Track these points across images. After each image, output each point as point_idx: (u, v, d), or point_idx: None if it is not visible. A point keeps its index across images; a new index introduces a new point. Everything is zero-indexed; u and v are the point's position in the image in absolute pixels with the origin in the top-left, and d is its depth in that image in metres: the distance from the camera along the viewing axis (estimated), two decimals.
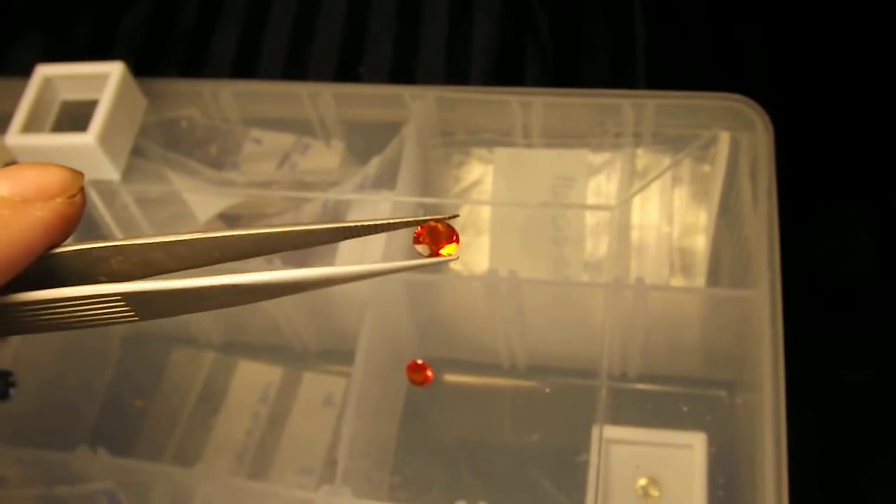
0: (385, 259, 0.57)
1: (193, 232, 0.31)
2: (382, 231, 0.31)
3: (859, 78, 0.69)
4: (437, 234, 0.32)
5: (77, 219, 0.30)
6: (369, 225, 0.31)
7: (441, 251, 0.32)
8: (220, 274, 0.30)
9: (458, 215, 0.32)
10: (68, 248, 0.31)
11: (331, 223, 0.31)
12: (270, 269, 0.29)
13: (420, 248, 0.32)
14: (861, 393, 0.59)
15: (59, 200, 0.30)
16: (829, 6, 0.72)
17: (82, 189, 0.30)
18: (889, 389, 0.59)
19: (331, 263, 0.61)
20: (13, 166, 0.30)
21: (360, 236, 0.31)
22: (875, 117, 0.67)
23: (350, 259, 0.60)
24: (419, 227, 0.31)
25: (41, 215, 0.29)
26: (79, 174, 0.30)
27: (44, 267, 0.30)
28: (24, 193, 0.29)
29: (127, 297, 0.30)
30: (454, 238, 0.32)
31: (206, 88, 0.64)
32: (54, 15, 0.82)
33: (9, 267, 0.29)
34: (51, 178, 0.30)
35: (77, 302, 0.30)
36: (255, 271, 0.29)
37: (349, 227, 0.31)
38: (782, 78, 0.70)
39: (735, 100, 0.57)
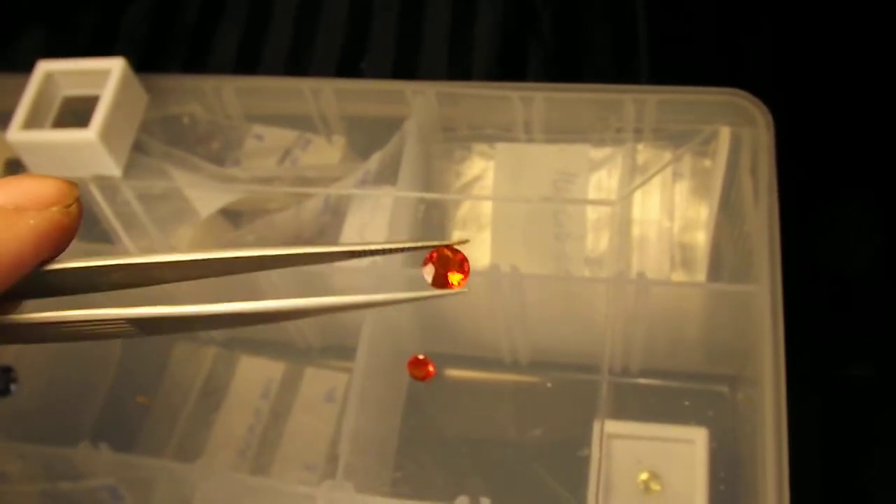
0: (387, 268, 0.57)
1: (195, 251, 0.31)
2: (388, 254, 0.31)
3: (862, 73, 0.69)
4: (446, 259, 0.32)
5: (73, 229, 0.30)
6: (376, 249, 0.31)
7: (449, 277, 0.32)
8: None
9: (468, 240, 0.32)
10: (67, 265, 0.31)
11: (337, 246, 0.31)
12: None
13: (426, 270, 0.32)
14: (863, 388, 0.59)
15: (54, 209, 0.30)
16: (832, 1, 0.72)
17: (78, 200, 0.30)
18: (891, 385, 0.59)
19: (332, 266, 0.61)
20: (10, 177, 0.30)
21: (365, 257, 0.32)
22: (878, 112, 0.67)
23: (354, 268, 0.60)
24: (428, 253, 0.32)
25: (34, 223, 0.29)
26: (74, 185, 0.30)
27: (43, 280, 0.30)
28: (17, 202, 0.29)
29: (132, 321, 0.30)
30: (464, 266, 0.32)
31: (208, 84, 0.64)
32: (57, 10, 0.83)
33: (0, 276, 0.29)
34: (46, 189, 0.30)
35: (81, 322, 0.30)
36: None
37: (355, 250, 0.31)
38: (785, 73, 0.70)
39: (736, 95, 0.57)
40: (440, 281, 0.32)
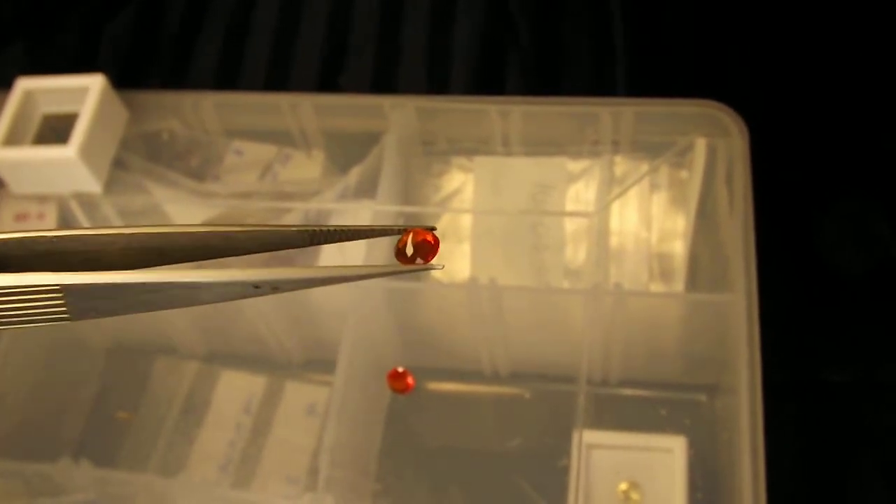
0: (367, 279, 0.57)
1: (141, 226, 0.30)
2: (359, 238, 0.31)
3: (840, 82, 0.70)
4: (421, 244, 0.32)
5: None
6: (347, 230, 0.31)
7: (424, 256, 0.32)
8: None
9: (435, 228, 0.32)
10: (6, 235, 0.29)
11: (300, 226, 0.30)
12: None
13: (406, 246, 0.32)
14: (841, 394, 0.59)
15: None
16: (808, 13, 0.72)
17: None
18: (869, 391, 0.59)
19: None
20: None
21: (335, 241, 0.31)
22: (858, 119, 0.68)
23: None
24: (402, 238, 0.32)
25: None
26: None
27: None
28: None
29: (66, 290, 0.28)
30: (436, 246, 0.32)
31: (188, 100, 0.64)
32: (38, 25, 0.83)
33: None
34: None
35: (10, 293, 0.28)
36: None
37: (324, 230, 0.31)
38: (764, 84, 0.71)
39: (711, 106, 0.58)
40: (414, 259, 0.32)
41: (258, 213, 0.63)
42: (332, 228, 0.31)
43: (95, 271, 0.28)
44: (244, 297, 0.29)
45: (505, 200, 0.63)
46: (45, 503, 0.54)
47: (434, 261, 0.32)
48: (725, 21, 0.74)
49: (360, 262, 0.58)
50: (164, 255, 0.31)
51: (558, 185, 0.62)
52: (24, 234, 0.30)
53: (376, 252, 0.58)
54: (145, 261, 0.31)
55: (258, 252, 0.31)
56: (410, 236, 0.32)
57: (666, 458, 0.55)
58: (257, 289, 0.29)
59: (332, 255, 0.60)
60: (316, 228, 0.30)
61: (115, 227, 0.30)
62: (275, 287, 0.29)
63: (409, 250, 0.32)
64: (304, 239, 0.31)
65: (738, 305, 0.51)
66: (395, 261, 0.32)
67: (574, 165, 0.62)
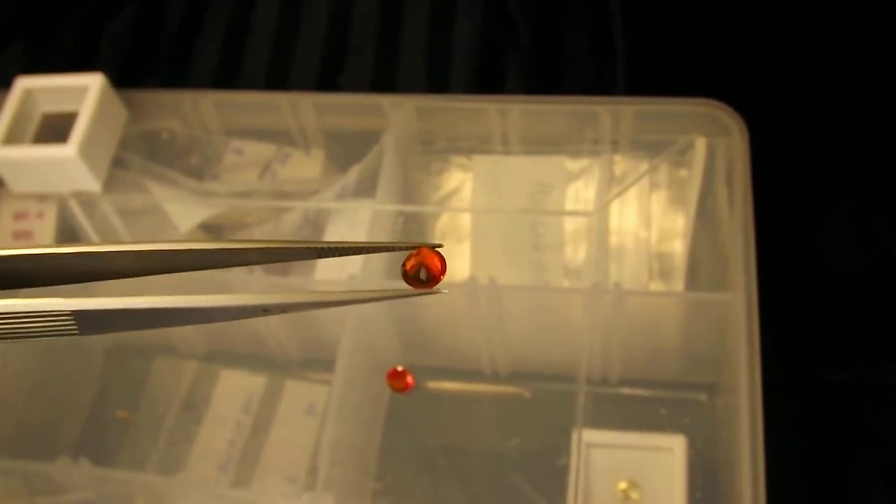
0: (364, 275, 0.57)
1: (146, 242, 0.30)
2: (365, 252, 0.31)
3: (841, 82, 0.70)
4: (429, 262, 0.32)
5: None
6: (354, 246, 0.31)
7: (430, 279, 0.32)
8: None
9: (442, 245, 0.32)
10: (19, 251, 0.30)
11: (309, 242, 0.31)
12: (236, 293, 0.29)
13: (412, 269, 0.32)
14: (843, 394, 0.59)
15: None
16: (808, 13, 0.72)
17: None
18: (868, 391, 0.59)
19: (309, 277, 0.61)
20: None
21: (341, 256, 0.31)
22: (857, 122, 0.68)
23: (328, 273, 0.60)
24: (410, 261, 0.32)
25: None
26: None
27: None
28: None
29: (76, 314, 0.28)
30: (441, 266, 0.32)
31: (187, 99, 0.64)
32: (38, 24, 0.83)
33: None
34: None
35: (21, 315, 0.28)
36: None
37: (331, 247, 0.31)
38: (764, 84, 0.71)
39: (711, 105, 0.58)
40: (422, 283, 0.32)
41: (257, 212, 0.63)
42: (338, 245, 0.31)
43: (107, 297, 0.29)
44: (253, 317, 0.30)
45: (504, 199, 0.63)
46: (45, 503, 0.54)
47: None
48: (725, 21, 0.74)
49: (358, 269, 0.58)
50: (172, 265, 0.31)
51: (557, 184, 0.62)
52: (31, 250, 0.30)
53: (375, 259, 0.58)
54: (154, 269, 0.31)
55: (265, 264, 0.31)
56: (419, 259, 0.32)
57: (666, 457, 0.55)
58: (266, 311, 0.29)
59: (330, 262, 0.60)
60: (323, 245, 0.31)
61: (124, 244, 0.30)
62: (283, 309, 0.30)
63: (417, 274, 0.32)
64: (311, 254, 0.31)
65: (737, 305, 0.51)
66: (395, 269, 0.32)
67: (573, 164, 0.62)
